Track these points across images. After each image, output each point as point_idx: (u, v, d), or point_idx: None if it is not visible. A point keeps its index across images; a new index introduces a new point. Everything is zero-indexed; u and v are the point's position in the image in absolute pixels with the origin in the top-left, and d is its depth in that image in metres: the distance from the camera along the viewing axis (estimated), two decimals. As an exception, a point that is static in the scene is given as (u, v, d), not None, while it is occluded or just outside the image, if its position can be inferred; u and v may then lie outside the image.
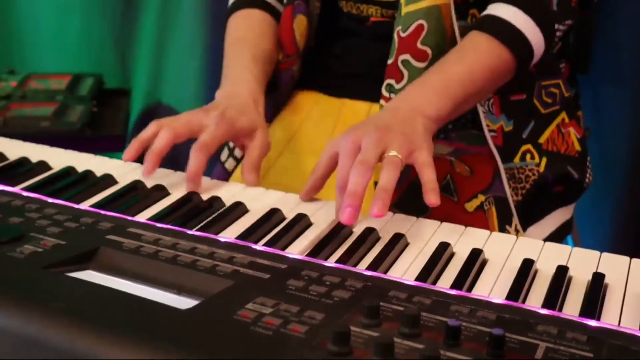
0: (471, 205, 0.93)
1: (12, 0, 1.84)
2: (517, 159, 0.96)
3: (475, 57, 0.88)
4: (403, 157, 0.75)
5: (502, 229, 0.94)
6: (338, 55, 1.06)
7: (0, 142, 0.98)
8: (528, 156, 0.97)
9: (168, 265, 0.61)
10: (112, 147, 1.43)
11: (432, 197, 0.73)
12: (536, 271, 0.68)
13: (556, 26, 0.91)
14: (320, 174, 0.79)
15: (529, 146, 0.97)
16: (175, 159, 1.88)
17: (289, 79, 1.07)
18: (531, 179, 0.96)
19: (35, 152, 0.93)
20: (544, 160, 0.97)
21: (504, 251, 0.70)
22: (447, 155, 0.96)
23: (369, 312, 0.52)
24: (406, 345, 0.49)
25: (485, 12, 0.92)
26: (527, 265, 0.67)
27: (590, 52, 1.35)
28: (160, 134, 0.85)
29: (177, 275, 0.60)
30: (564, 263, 0.68)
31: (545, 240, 0.96)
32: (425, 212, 0.91)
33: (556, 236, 1.00)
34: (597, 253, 0.70)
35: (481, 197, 0.93)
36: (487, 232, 0.74)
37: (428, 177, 0.74)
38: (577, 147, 1.01)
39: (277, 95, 1.08)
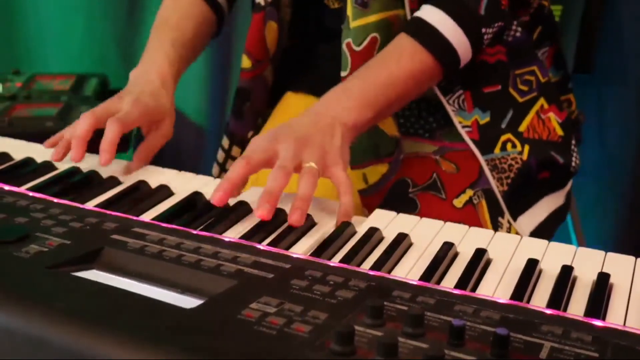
0: (459, 201, 0.93)
1: (17, 1, 1.85)
2: (497, 150, 0.96)
3: (398, 62, 0.88)
4: (319, 169, 0.77)
5: (495, 222, 0.93)
6: (326, 57, 1.07)
7: (5, 142, 0.98)
8: (509, 145, 0.97)
9: (172, 265, 0.62)
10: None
11: (341, 219, 0.75)
12: (540, 271, 0.67)
13: (484, 30, 0.90)
14: (233, 179, 0.76)
15: (509, 135, 0.97)
16: (178, 159, 1.89)
17: (262, 85, 1.07)
18: (515, 167, 0.96)
19: (40, 152, 0.94)
20: (527, 147, 0.97)
21: (508, 251, 0.70)
22: (432, 154, 0.96)
23: (373, 311, 0.52)
24: (410, 345, 0.49)
25: (416, 14, 0.92)
26: (532, 265, 0.67)
27: (595, 51, 1.35)
28: (81, 119, 0.87)
29: (181, 275, 0.60)
30: (568, 263, 0.68)
31: (538, 228, 0.98)
32: (412, 211, 0.91)
33: (549, 224, 1.00)
34: (602, 253, 0.70)
35: (469, 192, 0.94)
36: (491, 232, 0.74)
37: (344, 200, 0.76)
38: (559, 131, 1.00)
39: (253, 103, 1.08)
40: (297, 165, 0.77)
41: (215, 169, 1.13)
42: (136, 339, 0.50)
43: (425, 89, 0.93)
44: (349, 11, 0.93)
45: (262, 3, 1.02)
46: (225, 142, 1.11)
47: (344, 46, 0.94)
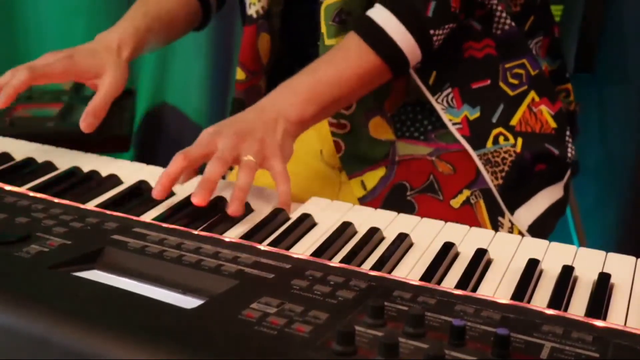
0: (457, 202, 0.93)
1: (18, 2, 1.85)
2: (489, 144, 0.96)
3: (345, 61, 0.89)
4: (258, 161, 0.79)
5: (495, 221, 0.93)
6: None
7: (6, 142, 0.98)
8: (501, 139, 0.97)
9: (173, 265, 0.62)
10: (118, 147, 1.43)
11: (284, 209, 0.77)
12: (541, 271, 0.67)
13: (433, 31, 0.91)
14: (171, 173, 0.78)
15: (500, 129, 0.97)
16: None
17: (257, 95, 1.08)
18: (508, 160, 0.96)
19: (41, 152, 0.94)
20: (520, 140, 0.97)
21: (508, 251, 0.70)
22: (427, 156, 0.96)
23: (374, 312, 0.52)
24: (411, 345, 0.49)
25: (367, 11, 0.92)
26: (532, 265, 0.67)
27: (595, 51, 1.35)
28: (18, 74, 0.89)
29: (182, 275, 0.61)
30: (569, 263, 0.68)
31: (537, 221, 0.97)
32: (410, 213, 0.91)
33: (548, 217, 1.00)
34: (603, 253, 0.70)
35: (466, 192, 0.94)
36: (492, 232, 0.74)
37: (282, 189, 0.79)
38: (552, 124, 1.00)
39: None
40: (235, 157, 0.79)
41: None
42: (137, 339, 0.50)
43: (374, 87, 0.93)
44: (324, 29, 0.95)
45: (255, 15, 1.03)
46: None
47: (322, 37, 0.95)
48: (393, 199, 0.94)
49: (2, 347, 0.53)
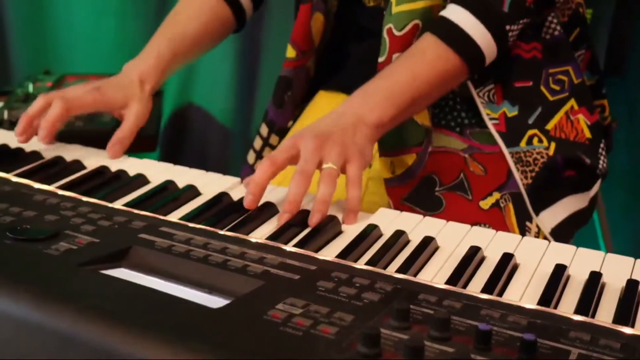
0: (486, 203, 0.92)
1: (48, 2, 1.87)
2: (523, 143, 0.96)
3: (422, 62, 0.89)
4: (338, 167, 0.78)
5: (522, 226, 0.93)
6: (357, 57, 1.07)
7: (35, 141, 0.99)
8: (535, 140, 0.96)
9: (199, 265, 0.62)
10: (145, 146, 1.44)
11: (350, 218, 0.77)
12: (568, 277, 0.67)
13: (509, 27, 0.90)
14: (260, 181, 0.78)
15: (535, 131, 0.97)
16: (205, 160, 1.90)
17: (304, 75, 1.08)
18: (540, 161, 0.95)
19: (69, 151, 0.95)
20: (553, 144, 0.97)
21: (535, 256, 0.70)
22: (461, 152, 0.96)
23: (399, 314, 0.52)
24: (436, 348, 0.49)
25: (441, 12, 0.92)
26: (560, 271, 0.66)
27: (625, 55, 1.33)
28: (53, 106, 0.93)
29: (208, 275, 0.61)
30: (597, 269, 0.67)
31: (557, 227, 0.96)
32: (437, 209, 0.91)
33: (568, 225, 0.99)
34: (631, 259, 0.69)
35: (496, 195, 0.93)
36: (519, 236, 0.74)
37: (351, 195, 0.78)
38: (587, 134, 0.99)
39: (293, 93, 1.09)
40: (318, 162, 0.78)
41: (252, 156, 1.13)
42: (163, 338, 0.50)
43: (451, 87, 0.93)
44: None
45: None
46: (264, 130, 1.11)
47: (384, 32, 0.94)
48: (421, 192, 0.93)
49: (30, 342, 0.54)
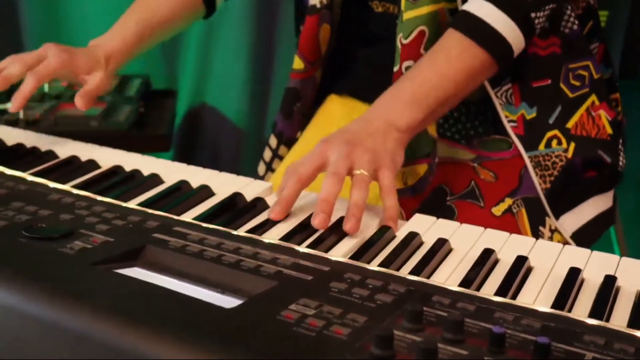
0: (498, 210, 0.92)
1: (64, 5, 1.88)
2: (542, 147, 0.94)
3: (447, 61, 0.87)
4: (370, 174, 0.77)
5: (535, 231, 0.92)
6: (367, 61, 1.07)
7: (51, 140, 1.00)
8: (554, 142, 0.95)
9: (213, 265, 0.62)
10: (159, 146, 1.45)
11: (390, 225, 0.75)
12: (583, 280, 0.66)
13: (534, 14, 0.88)
14: (288, 197, 0.77)
15: (555, 132, 0.95)
16: (218, 160, 1.90)
17: (312, 86, 1.08)
18: (558, 165, 0.94)
19: (84, 150, 0.96)
20: (572, 145, 0.95)
21: (549, 259, 0.70)
22: (470, 162, 0.95)
23: (412, 316, 0.52)
24: (450, 351, 0.49)
25: (462, 7, 0.90)
26: (574, 274, 0.66)
27: (640, 56, 1.32)
28: (13, 64, 0.97)
29: (221, 275, 0.61)
30: (611, 272, 0.66)
31: (583, 229, 0.95)
32: (450, 218, 0.90)
33: (595, 226, 0.97)
34: (646, 263, 0.69)
35: (508, 201, 0.92)
36: (532, 239, 0.73)
37: (389, 204, 0.77)
38: (609, 130, 0.98)
39: (301, 104, 1.10)
40: (349, 169, 0.77)
41: (262, 168, 1.14)
42: (176, 337, 0.50)
43: (480, 83, 0.91)
44: (402, 5, 0.92)
45: (318, 5, 1.02)
46: (273, 141, 1.11)
47: (397, 41, 0.94)
48: (433, 202, 0.93)
49: (44, 341, 0.54)
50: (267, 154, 1.13)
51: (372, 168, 0.77)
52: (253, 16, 1.74)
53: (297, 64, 1.05)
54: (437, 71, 0.86)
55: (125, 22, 1.07)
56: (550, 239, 0.93)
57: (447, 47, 0.88)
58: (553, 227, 0.93)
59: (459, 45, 0.87)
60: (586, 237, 0.95)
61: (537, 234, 0.92)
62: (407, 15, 0.92)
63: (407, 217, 0.91)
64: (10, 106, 0.96)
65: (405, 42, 0.93)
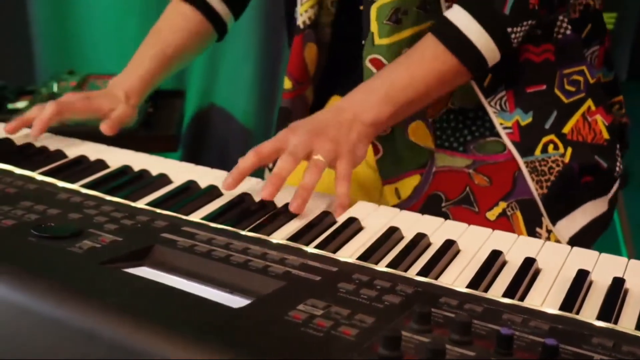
0: (493, 214, 0.92)
1: (72, 3, 1.89)
2: (538, 152, 0.95)
3: (420, 63, 0.89)
4: (327, 161, 0.81)
5: (532, 233, 0.92)
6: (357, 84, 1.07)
7: (59, 140, 1.01)
8: (551, 147, 0.95)
9: (221, 265, 0.62)
10: (167, 146, 1.45)
11: (338, 211, 0.79)
12: (591, 282, 0.66)
13: (510, 29, 0.89)
14: (243, 168, 0.82)
15: (552, 137, 0.96)
16: (227, 160, 1.90)
17: (303, 105, 1.09)
18: (555, 170, 0.94)
19: (93, 150, 0.96)
20: (569, 150, 0.96)
21: (557, 261, 0.69)
22: (465, 168, 0.96)
23: (420, 317, 0.52)
24: (457, 352, 0.49)
25: (444, 13, 0.92)
26: (582, 276, 0.66)
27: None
28: (46, 107, 1.00)
29: (229, 275, 0.61)
30: (620, 275, 0.66)
31: (579, 234, 0.95)
32: None
33: (590, 231, 0.98)
34: (655, 266, 0.68)
35: (502, 204, 0.92)
36: (541, 241, 0.73)
37: (340, 190, 0.80)
38: (606, 135, 0.98)
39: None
40: (307, 154, 0.81)
41: (267, 174, 1.15)
42: (184, 336, 0.50)
43: (453, 87, 0.93)
44: (374, 28, 0.94)
45: (302, 26, 1.04)
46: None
47: (367, 62, 0.95)
48: (427, 209, 0.93)
49: (53, 339, 0.55)
50: (267, 175, 1.14)
51: (331, 157, 0.81)
52: (261, 17, 1.74)
53: (287, 83, 1.07)
54: (410, 72, 0.89)
55: (141, 59, 1.11)
56: (548, 239, 0.93)
57: (422, 49, 0.91)
58: (549, 228, 0.93)
59: (433, 50, 0.90)
60: (582, 242, 0.95)
61: (534, 236, 0.92)
62: (386, 40, 0.94)
63: None
64: (32, 131, 0.99)
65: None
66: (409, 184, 0.96)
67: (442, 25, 0.91)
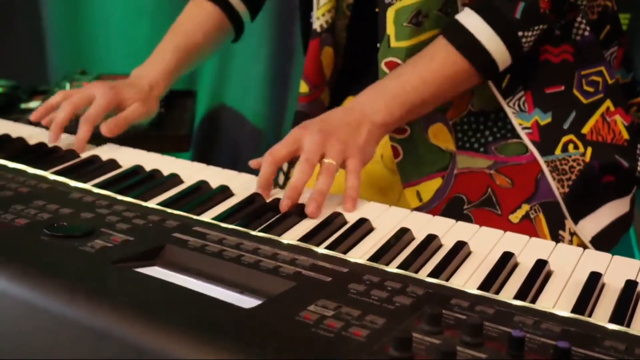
0: (516, 217, 0.92)
1: (84, 3, 1.90)
2: (558, 151, 0.95)
3: (430, 65, 0.90)
4: (338, 163, 0.82)
5: (555, 236, 0.92)
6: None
7: (72, 140, 1.01)
8: (571, 146, 0.95)
9: (232, 265, 0.62)
10: (178, 147, 1.45)
11: (348, 204, 0.80)
12: (603, 285, 0.66)
13: (522, 33, 0.90)
14: (264, 177, 0.83)
15: (571, 136, 0.96)
16: (237, 161, 1.91)
17: (319, 108, 1.10)
18: (576, 169, 0.94)
19: (105, 150, 0.96)
20: (589, 149, 0.95)
21: (570, 263, 0.69)
22: (486, 169, 0.95)
23: (431, 319, 0.52)
24: (468, 354, 0.49)
25: (456, 16, 0.92)
26: (594, 279, 0.65)
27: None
28: (61, 108, 1.00)
29: (240, 275, 0.61)
30: (633, 277, 0.66)
31: (602, 233, 0.95)
32: None
33: (613, 231, 0.97)
34: (668, 268, 0.68)
35: (526, 207, 0.92)
36: (552, 243, 0.73)
37: (350, 184, 0.82)
38: (625, 135, 0.98)
39: None
40: (320, 156, 0.82)
41: (281, 178, 1.15)
42: (195, 336, 0.51)
43: (464, 89, 0.94)
44: (391, 31, 0.94)
45: (319, 29, 1.04)
46: (285, 165, 1.12)
47: (382, 65, 0.95)
48: (449, 212, 0.93)
49: (64, 338, 0.55)
50: (280, 178, 1.14)
51: (342, 157, 0.82)
52: (272, 18, 1.74)
53: (303, 87, 1.08)
54: (420, 74, 0.90)
55: (164, 52, 1.12)
56: (571, 242, 0.93)
57: (433, 52, 0.91)
58: (572, 230, 0.93)
59: (443, 52, 0.90)
60: (604, 241, 0.95)
61: (557, 239, 0.91)
62: (404, 43, 0.94)
63: None
64: (49, 139, 0.98)
65: None
66: (430, 187, 0.96)
67: (453, 27, 0.91)
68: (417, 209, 0.95)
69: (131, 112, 1.03)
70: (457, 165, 0.96)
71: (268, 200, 0.82)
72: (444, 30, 0.91)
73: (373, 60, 0.99)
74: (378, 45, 0.96)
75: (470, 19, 0.90)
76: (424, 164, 0.96)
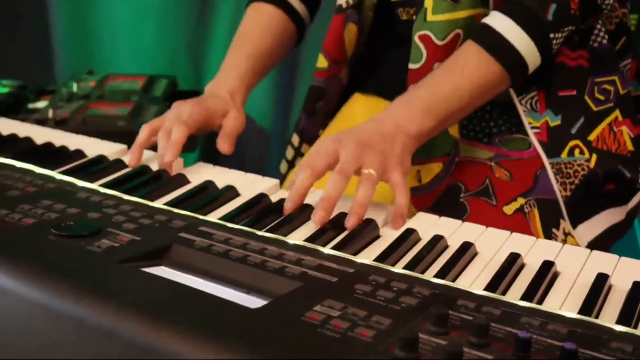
0: (510, 209, 0.91)
1: (92, 4, 1.91)
2: (564, 154, 0.94)
3: (464, 71, 0.88)
4: (378, 174, 0.78)
5: (548, 233, 0.91)
6: (396, 62, 1.06)
7: (79, 139, 1.01)
8: (577, 151, 0.95)
9: (238, 265, 0.62)
10: (186, 146, 1.46)
11: (397, 223, 0.77)
12: (610, 286, 0.66)
13: (552, 35, 0.89)
14: (300, 189, 0.79)
15: (577, 142, 0.95)
16: (243, 161, 1.91)
17: (337, 86, 1.08)
18: (580, 174, 0.94)
19: (112, 150, 0.97)
20: (594, 156, 0.95)
21: (576, 264, 0.69)
22: (487, 160, 0.95)
23: (438, 319, 0.51)
24: (475, 355, 0.49)
25: (483, 20, 0.91)
26: (601, 280, 0.65)
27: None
28: (174, 129, 0.93)
29: (246, 275, 0.61)
30: (639, 279, 0.66)
31: (593, 241, 0.95)
32: (461, 215, 0.90)
33: (605, 238, 0.97)
34: (676, 270, 0.68)
35: (521, 200, 0.92)
36: (559, 244, 0.73)
37: (399, 202, 0.78)
38: (630, 146, 0.97)
39: (325, 103, 1.10)
40: (357, 169, 0.78)
41: (284, 166, 1.15)
42: (201, 336, 0.51)
43: (492, 97, 0.92)
44: (429, 4, 0.93)
45: (344, 5, 1.03)
46: (295, 139, 1.12)
47: (416, 38, 0.94)
48: (446, 199, 0.93)
49: (71, 337, 0.55)
50: (290, 153, 1.13)
51: (382, 168, 0.79)
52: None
53: (321, 62, 1.06)
54: (452, 82, 0.88)
55: (237, 60, 1.08)
56: (564, 242, 0.92)
57: (464, 58, 0.89)
58: (567, 231, 0.92)
59: (476, 58, 0.89)
60: (598, 247, 0.95)
61: (549, 236, 0.91)
62: (440, 17, 0.93)
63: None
64: (166, 157, 0.90)
65: (439, 43, 0.93)
66: (431, 170, 0.95)
67: (484, 32, 0.89)
68: (414, 189, 0.94)
69: (233, 121, 0.99)
70: (459, 153, 0.96)
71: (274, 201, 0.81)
72: (474, 35, 0.90)
73: (390, 46, 0.98)
74: (414, 17, 0.94)
75: (501, 23, 0.89)
76: (429, 145, 0.96)
